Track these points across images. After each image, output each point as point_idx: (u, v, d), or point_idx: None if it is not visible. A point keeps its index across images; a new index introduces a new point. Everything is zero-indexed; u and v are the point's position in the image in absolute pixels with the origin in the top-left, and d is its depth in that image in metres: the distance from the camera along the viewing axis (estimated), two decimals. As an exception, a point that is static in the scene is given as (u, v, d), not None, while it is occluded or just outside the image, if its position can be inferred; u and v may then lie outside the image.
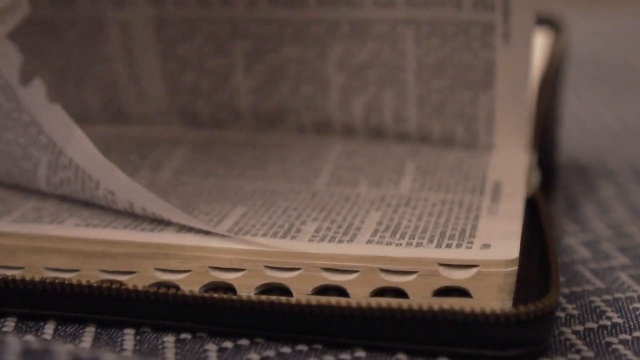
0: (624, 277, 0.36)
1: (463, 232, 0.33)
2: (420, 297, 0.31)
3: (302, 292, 0.32)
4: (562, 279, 0.36)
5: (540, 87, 0.42)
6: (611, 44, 0.73)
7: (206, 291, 0.32)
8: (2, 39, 0.34)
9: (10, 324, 0.32)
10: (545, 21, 0.48)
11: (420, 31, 0.39)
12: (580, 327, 0.33)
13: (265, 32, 0.41)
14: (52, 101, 0.34)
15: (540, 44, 0.46)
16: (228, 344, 0.31)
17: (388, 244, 0.32)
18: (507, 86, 0.39)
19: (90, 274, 0.33)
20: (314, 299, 0.31)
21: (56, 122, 0.34)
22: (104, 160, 0.33)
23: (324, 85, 0.42)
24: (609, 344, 0.32)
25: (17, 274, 0.33)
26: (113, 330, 0.32)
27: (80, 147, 0.34)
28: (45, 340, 0.31)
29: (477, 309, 0.30)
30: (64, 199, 0.36)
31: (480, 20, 0.39)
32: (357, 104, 0.41)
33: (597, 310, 0.34)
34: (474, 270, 0.31)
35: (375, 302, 0.30)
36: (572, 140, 0.52)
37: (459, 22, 0.39)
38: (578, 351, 0.31)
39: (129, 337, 0.32)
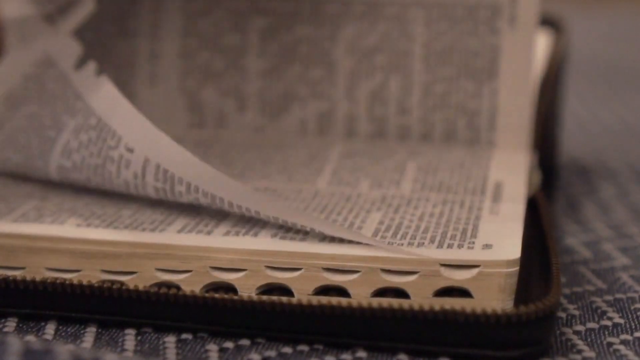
0: (625, 277, 0.36)
1: (464, 232, 0.33)
2: (421, 298, 0.31)
3: (303, 293, 0.32)
4: (563, 280, 0.36)
5: (541, 88, 0.42)
6: (612, 44, 0.73)
7: (207, 291, 0.32)
8: (63, 34, 0.35)
9: (11, 324, 0.32)
10: (546, 22, 0.48)
11: (430, 14, 0.41)
12: (581, 328, 0.33)
13: (281, 9, 0.42)
14: (100, 75, 0.35)
15: (541, 44, 0.46)
16: (229, 344, 0.31)
17: (389, 244, 0.32)
18: (511, 77, 0.41)
19: (91, 274, 0.33)
20: (315, 299, 0.31)
21: (98, 91, 0.35)
22: (140, 117, 0.34)
23: (332, 69, 0.42)
24: (610, 344, 0.32)
25: (17, 274, 0.33)
26: (114, 330, 0.32)
27: (114, 103, 0.34)
28: (46, 340, 0.31)
29: (478, 310, 0.30)
30: (65, 197, 0.36)
31: (487, 3, 0.41)
32: (363, 91, 0.42)
33: (599, 311, 0.34)
34: (475, 271, 0.31)
35: (377, 302, 0.30)
36: (572, 140, 0.52)
37: (468, 4, 0.41)
38: (579, 352, 0.31)
39: (130, 337, 0.32)
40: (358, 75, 0.42)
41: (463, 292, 0.31)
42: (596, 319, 0.33)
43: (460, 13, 0.41)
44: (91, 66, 0.36)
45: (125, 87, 0.44)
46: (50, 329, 0.32)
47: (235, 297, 0.31)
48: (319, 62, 0.42)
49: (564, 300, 0.34)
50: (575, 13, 0.76)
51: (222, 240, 0.33)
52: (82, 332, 0.32)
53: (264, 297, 0.31)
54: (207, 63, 0.43)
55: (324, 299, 0.31)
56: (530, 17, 0.40)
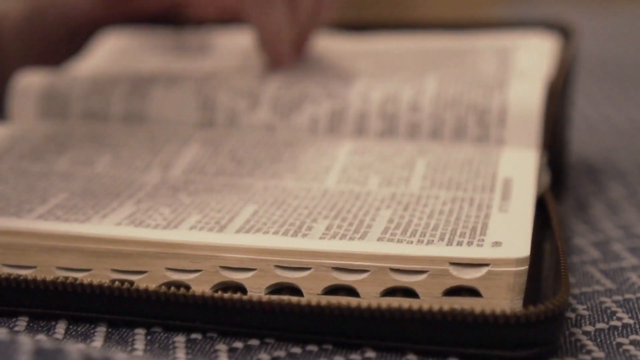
0: (634, 277, 0.36)
1: (474, 229, 0.33)
2: (431, 297, 0.31)
3: (312, 292, 0.32)
4: (572, 280, 0.36)
5: (551, 88, 0.42)
6: (621, 44, 0.73)
7: (216, 291, 0.32)
8: None
9: (21, 323, 0.32)
10: (555, 21, 0.48)
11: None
12: (590, 328, 0.33)
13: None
14: None
15: (551, 45, 0.46)
16: (238, 344, 0.31)
17: (399, 241, 0.32)
18: (522, 77, 0.42)
19: (102, 274, 0.33)
20: (324, 299, 0.31)
21: None
22: None
23: (350, 77, 0.44)
24: (619, 344, 0.32)
25: (28, 273, 0.33)
26: (124, 330, 0.32)
27: None
28: (57, 339, 0.31)
29: (487, 310, 0.30)
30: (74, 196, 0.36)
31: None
32: (377, 91, 0.42)
33: (608, 311, 0.34)
34: (484, 270, 0.31)
35: (386, 302, 0.30)
36: (582, 140, 0.52)
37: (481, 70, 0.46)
38: (589, 352, 0.31)
39: (139, 336, 0.32)
40: (375, 81, 0.43)
41: (472, 292, 0.31)
42: (605, 319, 0.33)
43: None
44: None
45: (141, 89, 0.44)
46: (60, 328, 0.32)
47: (245, 297, 0.31)
48: (339, 71, 0.44)
49: (573, 301, 0.34)
50: (585, 13, 0.76)
51: (231, 240, 0.33)
52: (92, 331, 0.32)
53: (273, 297, 0.31)
54: (226, 70, 0.44)
55: (333, 299, 0.31)
56: (541, 47, 0.45)
